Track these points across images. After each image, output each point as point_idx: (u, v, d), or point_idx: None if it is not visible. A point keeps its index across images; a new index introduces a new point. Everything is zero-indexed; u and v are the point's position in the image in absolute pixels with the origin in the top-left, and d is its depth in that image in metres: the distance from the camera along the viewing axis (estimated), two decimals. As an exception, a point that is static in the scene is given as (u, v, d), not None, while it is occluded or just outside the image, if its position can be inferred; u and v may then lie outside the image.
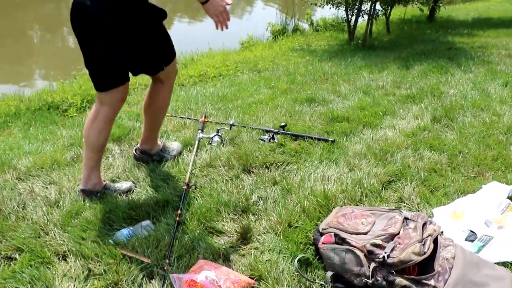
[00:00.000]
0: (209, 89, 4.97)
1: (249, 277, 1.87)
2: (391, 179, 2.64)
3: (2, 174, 2.84)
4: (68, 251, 2.06)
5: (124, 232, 2.15)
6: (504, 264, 1.89)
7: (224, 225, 2.24)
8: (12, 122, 4.34)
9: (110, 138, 3.21)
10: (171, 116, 3.68)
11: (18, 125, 4.22)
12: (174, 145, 2.99)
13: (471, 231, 2.05)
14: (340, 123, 3.53)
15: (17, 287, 1.86)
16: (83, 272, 1.93)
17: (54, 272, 1.92)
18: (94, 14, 2.19)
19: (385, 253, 1.73)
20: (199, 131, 3.15)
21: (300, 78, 5.22)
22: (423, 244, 1.74)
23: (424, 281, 1.68)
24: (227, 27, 2.26)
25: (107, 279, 1.87)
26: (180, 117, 3.69)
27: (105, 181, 2.57)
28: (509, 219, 2.08)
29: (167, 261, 1.93)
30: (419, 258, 1.69)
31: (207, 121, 3.43)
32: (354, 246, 1.82)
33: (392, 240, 1.78)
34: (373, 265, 1.75)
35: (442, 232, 2.05)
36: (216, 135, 3.13)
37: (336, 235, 1.90)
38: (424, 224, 1.86)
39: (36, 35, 9.63)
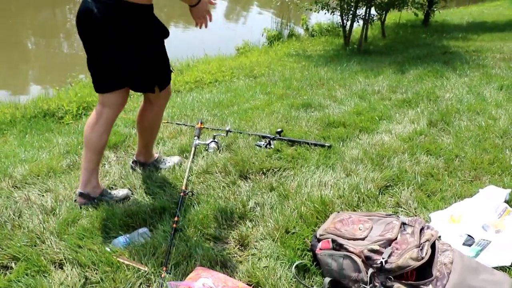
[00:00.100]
0: (205, 95, 4.97)
1: (247, 284, 1.86)
2: (388, 184, 2.64)
3: (-2, 182, 2.83)
4: (65, 259, 2.04)
5: (121, 239, 2.14)
6: (502, 268, 1.89)
7: (221, 232, 2.23)
8: (8, 129, 4.32)
9: (107, 145, 3.20)
10: (167, 122, 3.68)
11: (14, 133, 4.20)
12: (173, 159, 2.98)
13: (468, 235, 2.05)
14: (336, 128, 3.54)
15: (13, 296, 1.84)
16: (79, 280, 1.91)
17: (50, 281, 1.91)
18: (99, 19, 2.25)
19: (383, 258, 1.72)
20: (196, 137, 3.14)
21: (296, 83, 5.23)
22: (421, 249, 1.74)
23: (422, 286, 1.67)
24: (206, 27, 2.47)
25: (104, 287, 1.86)
26: (176, 123, 3.69)
27: (103, 187, 2.57)
28: (506, 223, 2.09)
29: (164, 268, 1.92)
30: (417, 264, 1.69)
31: (204, 128, 3.43)
32: (352, 252, 1.81)
33: (390, 245, 1.78)
34: (371, 270, 1.75)
35: (439, 237, 2.05)
36: (212, 141, 3.13)
37: (333, 241, 1.90)
38: (422, 229, 1.86)
39: (31, 42, 9.62)
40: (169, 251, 2.02)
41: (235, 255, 2.07)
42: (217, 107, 4.30)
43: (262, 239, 2.16)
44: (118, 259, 2.00)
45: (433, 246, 1.80)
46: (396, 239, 1.81)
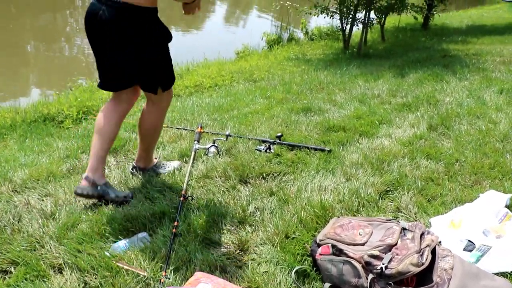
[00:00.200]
0: (205, 100, 4.97)
1: (247, 290, 1.86)
2: (388, 189, 2.64)
3: (-2, 187, 2.82)
4: (64, 263, 2.04)
5: (121, 244, 2.14)
6: (503, 274, 1.89)
7: (221, 237, 2.22)
8: (8, 134, 4.31)
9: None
10: (167, 127, 3.67)
11: (14, 137, 4.20)
12: (173, 163, 2.98)
13: (469, 240, 2.05)
14: (336, 133, 3.54)
15: (12, 301, 1.84)
16: (79, 285, 1.91)
17: (49, 286, 1.90)
18: (103, 22, 2.31)
19: (383, 264, 1.72)
20: (195, 142, 3.14)
21: (296, 87, 5.23)
22: (421, 255, 1.73)
23: (422, 292, 1.67)
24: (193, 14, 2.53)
25: (103, 293, 1.86)
26: (176, 128, 3.69)
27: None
28: (507, 228, 2.08)
29: (163, 273, 1.92)
30: (417, 269, 1.68)
31: (203, 132, 3.43)
32: (352, 257, 1.81)
33: (390, 251, 1.78)
34: (371, 276, 1.74)
35: (440, 242, 2.04)
36: (212, 145, 3.13)
37: (333, 246, 1.89)
38: (422, 234, 1.86)
39: (31, 47, 9.62)
40: (169, 256, 2.02)
41: (235, 260, 2.07)
42: (217, 112, 4.30)
43: (262, 244, 2.15)
44: (117, 264, 1.99)
45: (433, 252, 1.79)
46: (396, 244, 1.81)
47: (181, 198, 2.43)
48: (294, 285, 1.87)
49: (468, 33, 10.73)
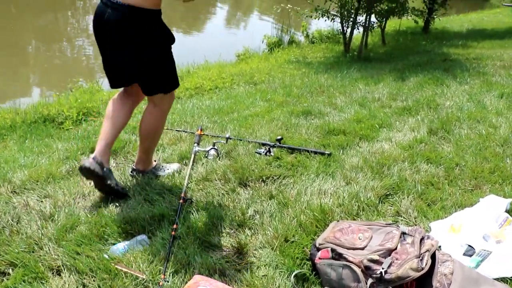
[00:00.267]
0: (205, 102, 4.97)
1: (246, 293, 1.85)
2: (388, 193, 2.63)
3: (-3, 188, 2.82)
4: (63, 266, 2.03)
5: (119, 246, 2.13)
6: (503, 279, 1.88)
7: (220, 240, 2.22)
8: (8, 135, 4.31)
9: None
10: (167, 129, 3.67)
11: (14, 138, 4.19)
12: (173, 165, 2.97)
13: (469, 245, 2.04)
14: (336, 136, 3.53)
15: (10, 303, 1.83)
16: (77, 287, 1.91)
17: (48, 288, 1.90)
18: (107, 23, 2.38)
19: (383, 268, 1.71)
20: (195, 144, 3.14)
21: (296, 90, 5.23)
22: (421, 260, 1.73)
23: (422, 297, 1.67)
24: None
25: (102, 295, 1.85)
26: (176, 130, 3.69)
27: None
28: (507, 233, 2.08)
29: (162, 276, 1.91)
30: (417, 274, 1.68)
31: (203, 134, 3.42)
32: (351, 262, 1.80)
33: (390, 255, 1.77)
34: (370, 281, 1.74)
35: (440, 247, 2.04)
36: (212, 148, 3.12)
37: (333, 250, 1.89)
38: (422, 239, 1.85)
39: (32, 47, 9.63)
40: (168, 258, 2.01)
41: (234, 263, 2.06)
42: (217, 114, 4.29)
43: (261, 248, 2.15)
44: (116, 266, 1.99)
45: (433, 257, 1.79)
46: (396, 249, 1.80)
47: (181, 201, 2.42)
48: (293, 289, 1.86)
49: (468, 37, 10.74)
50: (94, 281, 1.93)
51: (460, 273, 1.74)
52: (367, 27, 8.39)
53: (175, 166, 2.96)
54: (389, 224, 2.00)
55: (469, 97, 4.65)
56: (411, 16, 9.25)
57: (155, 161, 2.94)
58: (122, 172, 2.96)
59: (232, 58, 8.68)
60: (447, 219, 2.31)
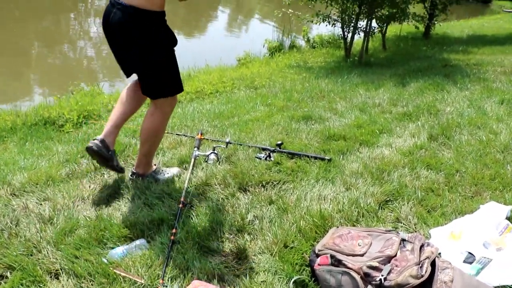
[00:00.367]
0: (205, 106, 4.97)
1: (244, 299, 1.85)
2: (388, 199, 2.63)
3: (-4, 190, 2.82)
4: (61, 269, 2.02)
5: (118, 250, 2.12)
6: (504, 287, 1.87)
7: (219, 245, 2.21)
8: (8, 137, 4.31)
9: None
10: (167, 133, 3.66)
11: (14, 140, 4.20)
12: (173, 170, 2.97)
13: (469, 252, 2.03)
14: (336, 141, 3.53)
15: (7, 307, 1.83)
16: (75, 291, 1.90)
17: (45, 292, 1.89)
18: (112, 23, 2.43)
19: (382, 275, 1.71)
20: (195, 148, 3.13)
21: (297, 95, 5.23)
22: (421, 267, 1.72)
23: (421, 304, 1.66)
24: None
25: (100, 300, 1.85)
26: (176, 134, 3.68)
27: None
28: (508, 240, 2.07)
29: (161, 281, 1.90)
30: (416, 282, 1.67)
31: (204, 139, 3.42)
32: (351, 268, 1.80)
33: (389, 262, 1.76)
34: None
35: (439, 254, 2.03)
36: (212, 152, 3.12)
37: (332, 256, 1.88)
38: (422, 246, 1.85)
39: (34, 50, 9.64)
40: (166, 263, 2.01)
41: (233, 268, 2.06)
42: (217, 118, 4.29)
43: (260, 253, 2.14)
44: (114, 270, 1.98)
45: (433, 264, 1.78)
46: (395, 255, 1.80)
47: (180, 205, 2.42)
48: (292, 295, 1.86)
49: (469, 43, 10.76)
50: (92, 285, 1.93)
51: (460, 281, 1.73)
52: (368, 32, 8.41)
53: (175, 170, 2.95)
54: (389, 231, 2.00)
55: (470, 103, 4.66)
56: (411, 21, 9.27)
57: (155, 165, 2.93)
58: (122, 175, 2.95)
59: (233, 62, 8.70)
60: (447, 226, 2.30)
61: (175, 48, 2.56)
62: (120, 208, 2.55)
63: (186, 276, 1.97)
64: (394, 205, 2.56)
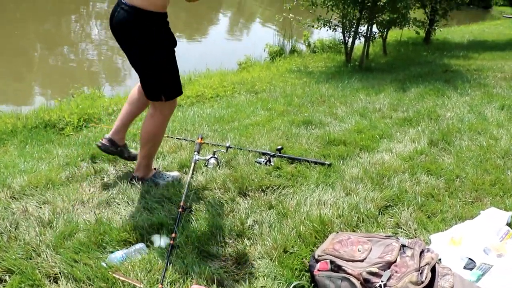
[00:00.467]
0: (206, 110, 4.97)
1: (244, 304, 1.84)
2: (388, 204, 2.62)
3: (-4, 193, 2.81)
4: (60, 273, 2.02)
5: (117, 255, 2.12)
6: (503, 294, 1.87)
7: (218, 250, 2.21)
8: (8, 139, 4.31)
9: (106, 158, 3.20)
10: (167, 137, 3.66)
11: (14, 143, 4.19)
12: (172, 174, 2.97)
13: (469, 258, 2.03)
14: (336, 146, 3.53)
15: (6, 311, 1.82)
16: (74, 296, 1.89)
17: (44, 296, 1.89)
18: (115, 23, 2.48)
19: (382, 281, 1.70)
20: (195, 152, 3.13)
21: (297, 100, 5.23)
22: (421, 273, 1.72)
23: (421, 311, 1.65)
24: None
25: (99, 304, 1.84)
26: (176, 138, 3.68)
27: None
28: (508, 246, 2.06)
29: (160, 286, 1.90)
30: (416, 288, 1.67)
31: (204, 143, 3.42)
32: (350, 274, 1.79)
33: (389, 268, 1.76)
34: (369, 293, 1.72)
35: (440, 260, 2.02)
36: (212, 157, 3.11)
37: (332, 262, 1.88)
38: (422, 252, 1.84)
39: (35, 52, 9.65)
40: (166, 268, 2.00)
41: (232, 273, 2.05)
42: (217, 123, 4.29)
43: (259, 258, 2.14)
44: (113, 275, 1.97)
45: (433, 270, 1.78)
46: (395, 261, 1.79)
47: (180, 210, 2.41)
48: (291, 300, 1.85)
49: (469, 48, 10.78)
50: (91, 289, 1.92)
51: (461, 287, 1.72)
52: (369, 37, 8.42)
53: (174, 174, 2.95)
54: (389, 236, 1.99)
55: (470, 108, 4.66)
56: (412, 26, 9.30)
57: (154, 169, 2.93)
58: (122, 179, 2.94)
59: (233, 66, 8.70)
60: (447, 231, 2.30)
61: (176, 50, 2.57)
62: (120, 212, 2.55)
63: (185, 280, 1.96)
64: (394, 210, 2.56)
